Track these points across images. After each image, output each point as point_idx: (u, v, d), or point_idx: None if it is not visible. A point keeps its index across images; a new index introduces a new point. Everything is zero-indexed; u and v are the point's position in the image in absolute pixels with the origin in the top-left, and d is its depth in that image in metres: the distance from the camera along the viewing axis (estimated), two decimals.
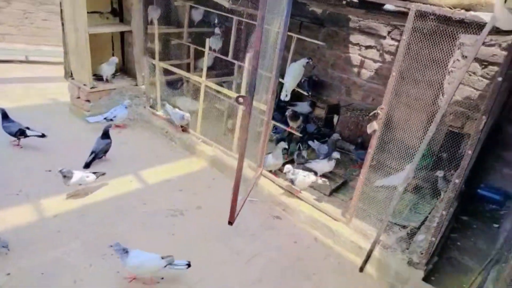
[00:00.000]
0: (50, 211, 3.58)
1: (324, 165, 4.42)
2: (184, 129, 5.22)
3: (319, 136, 5.30)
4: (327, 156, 4.67)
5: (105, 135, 4.54)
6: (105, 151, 4.50)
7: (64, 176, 3.68)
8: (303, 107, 5.71)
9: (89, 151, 4.40)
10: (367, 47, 5.72)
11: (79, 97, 5.42)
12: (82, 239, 3.30)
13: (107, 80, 5.53)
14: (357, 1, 3.68)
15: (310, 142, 5.07)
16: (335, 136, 4.95)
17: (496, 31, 2.89)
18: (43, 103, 5.87)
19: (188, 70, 5.86)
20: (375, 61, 5.69)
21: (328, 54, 6.10)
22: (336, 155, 4.42)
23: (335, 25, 5.87)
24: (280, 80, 4.50)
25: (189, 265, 3.04)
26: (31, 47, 8.15)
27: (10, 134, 4.46)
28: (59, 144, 4.69)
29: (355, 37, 5.82)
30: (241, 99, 2.91)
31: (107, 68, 5.47)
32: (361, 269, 3.42)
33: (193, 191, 4.31)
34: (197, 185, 4.43)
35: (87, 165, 4.31)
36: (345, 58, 5.99)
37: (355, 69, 5.91)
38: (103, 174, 4.04)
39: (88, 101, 5.32)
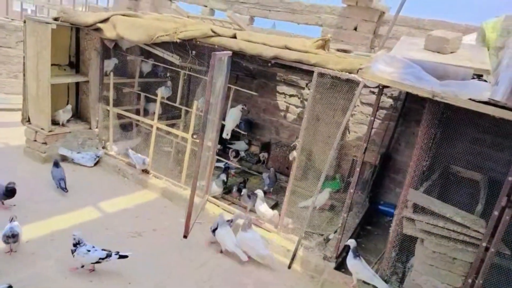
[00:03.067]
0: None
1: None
2: (146, 171, 5.85)
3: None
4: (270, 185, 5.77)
5: (56, 164, 5.15)
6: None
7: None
8: (241, 145, 6.80)
9: (47, 185, 5.10)
10: (291, 95, 7.05)
11: (35, 140, 5.88)
12: (55, 258, 3.82)
13: (63, 125, 6.10)
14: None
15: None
16: (272, 170, 6.03)
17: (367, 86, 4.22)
18: None
19: (138, 114, 6.65)
20: (297, 106, 7.01)
21: (260, 101, 7.31)
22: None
23: (265, 77, 7.15)
24: (222, 122, 5.53)
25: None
26: None
27: None
28: (18, 182, 5.10)
29: (281, 88, 7.13)
30: (195, 136, 3.84)
31: (63, 114, 6.06)
32: (289, 266, 4.34)
33: (148, 217, 4.98)
34: (151, 212, 5.11)
35: (66, 189, 5.02)
36: (273, 104, 7.25)
37: (282, 113, 7.18)
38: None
39: (45, 143, 5.82)
